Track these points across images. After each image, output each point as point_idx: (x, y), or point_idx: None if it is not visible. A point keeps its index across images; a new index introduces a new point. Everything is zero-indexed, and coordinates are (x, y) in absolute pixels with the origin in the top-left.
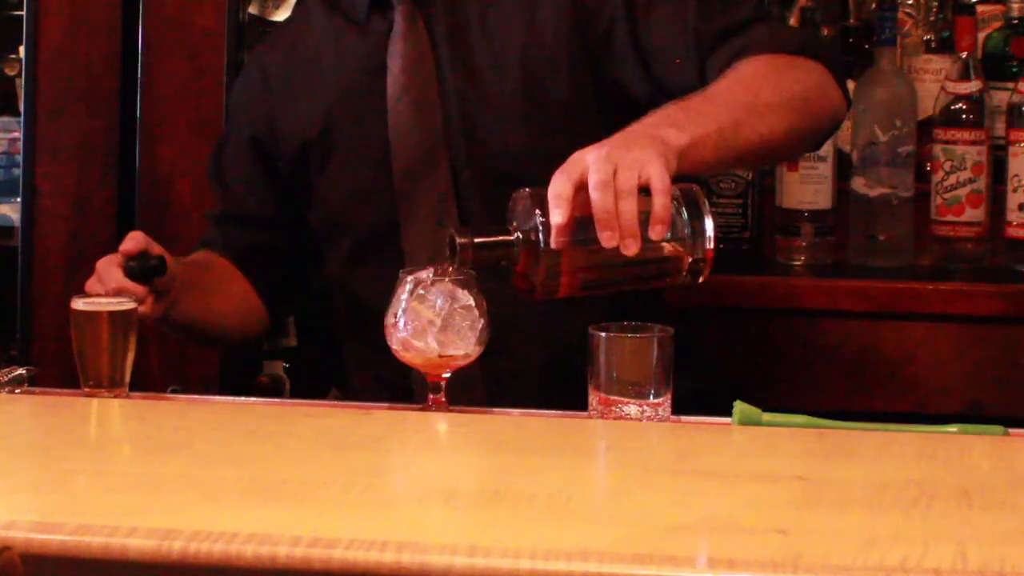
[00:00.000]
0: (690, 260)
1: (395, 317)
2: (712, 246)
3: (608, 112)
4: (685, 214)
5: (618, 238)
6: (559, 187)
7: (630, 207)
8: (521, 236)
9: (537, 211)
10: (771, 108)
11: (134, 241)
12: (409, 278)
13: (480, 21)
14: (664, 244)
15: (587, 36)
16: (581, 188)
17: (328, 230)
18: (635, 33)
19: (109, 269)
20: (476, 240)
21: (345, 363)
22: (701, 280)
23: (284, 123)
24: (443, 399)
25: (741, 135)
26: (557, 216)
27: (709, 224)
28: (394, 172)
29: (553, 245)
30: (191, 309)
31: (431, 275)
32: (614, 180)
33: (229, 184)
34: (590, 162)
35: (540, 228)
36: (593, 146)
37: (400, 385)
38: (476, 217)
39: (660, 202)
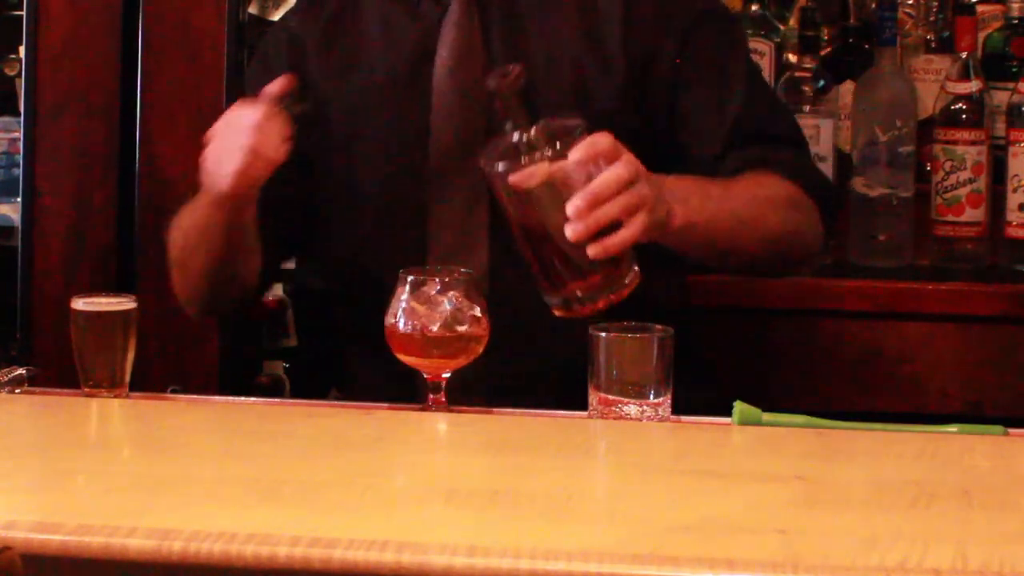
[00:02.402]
0: (589, 291)
1: (395, 317)
2: (605, 303)
3: (649, 128)
4: (623, 265)
5: (578, 224)
6: (598, 147)
7: (608, 215)
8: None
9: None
10: (765, 237)
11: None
12: (409, 278)
13: (537, 19)
14: (592, 261)
15: (637, 65)
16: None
17: (350, 208)
18: (675, 99)
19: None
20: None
21: (345, 362)
22: (571, 312)
23: (319, 95)
24: (443, 399)
25: (730, 246)
26: (577, 154)
27: (619, 294)
28: (430, 158)
29: (532, 181)
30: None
31: (433, 276)
32: (621, 193)
33: None
34: (626, 163)
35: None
36: (644, 174)
37: (401, 385)
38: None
39: (623, 238)
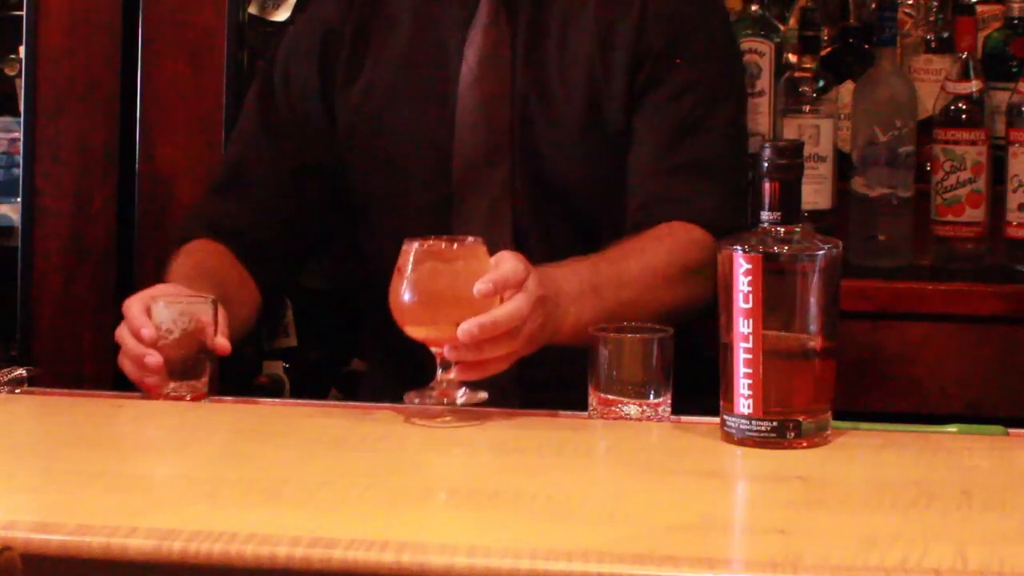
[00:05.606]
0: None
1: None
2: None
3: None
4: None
5: (463, 350)
6: (507, 279)
7: (487, 356)
8: None
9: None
10: (655, 313)
11: None
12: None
13: (559, 32)
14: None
15: (639, 84)
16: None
17: (375, 207)
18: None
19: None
20: None
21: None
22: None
23: (342, 95)
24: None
25: (616, 318)
26: (484, 286)
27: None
28: (454, 165)
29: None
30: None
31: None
32: (508, 337)
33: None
34: (525, 300)
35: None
36: (540, 303)
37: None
38: (526, 226)
39: (492, 371)
